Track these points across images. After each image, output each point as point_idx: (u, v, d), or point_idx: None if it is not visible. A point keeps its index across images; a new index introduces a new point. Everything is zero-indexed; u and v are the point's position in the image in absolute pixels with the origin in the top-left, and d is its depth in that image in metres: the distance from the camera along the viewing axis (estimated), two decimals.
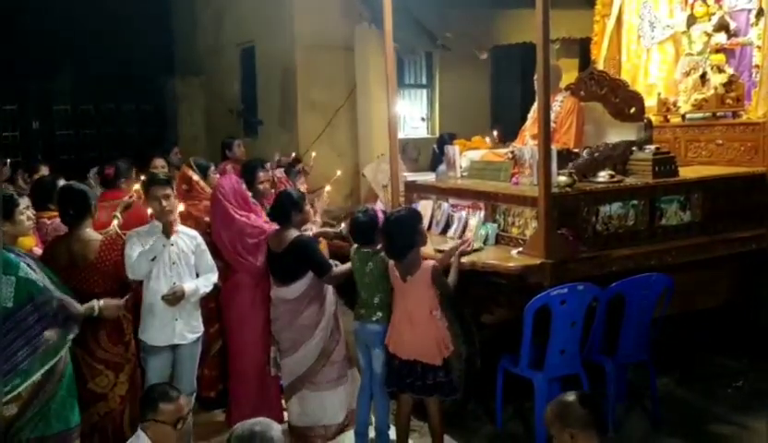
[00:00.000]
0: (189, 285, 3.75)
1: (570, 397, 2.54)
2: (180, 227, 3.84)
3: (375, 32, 7.41)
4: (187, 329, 3.82)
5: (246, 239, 4.17)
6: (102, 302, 3.40)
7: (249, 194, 4.48)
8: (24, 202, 3.33)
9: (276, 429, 2.42)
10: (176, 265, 3.73)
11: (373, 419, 4.09)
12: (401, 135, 6.24)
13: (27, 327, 3.08)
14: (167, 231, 3.66)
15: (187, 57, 9.99)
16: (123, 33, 8.70)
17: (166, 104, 9.78)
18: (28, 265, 3.13)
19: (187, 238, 3.85)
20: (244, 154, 6.62)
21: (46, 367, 3.13)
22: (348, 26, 7.90)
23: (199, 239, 3.91)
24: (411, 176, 5.68)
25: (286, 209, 4.05)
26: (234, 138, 6.90)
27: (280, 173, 5.83)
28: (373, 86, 7.59)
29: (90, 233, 3.59)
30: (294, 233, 4.01)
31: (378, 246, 3.86)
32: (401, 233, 3.67)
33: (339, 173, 5.42)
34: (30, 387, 3.11)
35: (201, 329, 3.93)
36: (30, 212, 3.40)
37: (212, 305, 4.55)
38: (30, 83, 8.58)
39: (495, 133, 6.35)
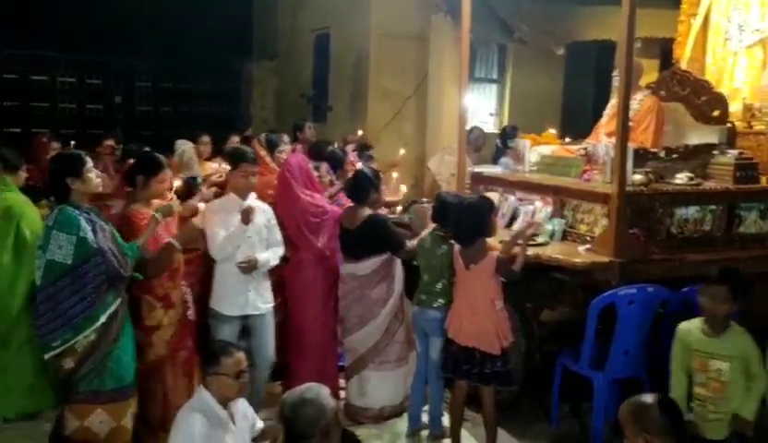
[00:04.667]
0: (262, 255, 3.91)
1: (649, 399, 2.36)
2: (255, 201, 3.97)
3: (450, 23, 7.39)
4: (260, 300, 3.96)
5: (309, 218, 4.25)
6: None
7: (316, 174, 4.58)
8: (90, 162, 3.43)
9: (326, 396, 2.42)
10: (250, 238, 3.88)
11: (427, 405, 4.11)
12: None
13: (82, 285, 3.21)
14: (246, 219, 3.76)
15: (263, 41, 10.19)
16: (203, 15, 8.93)
17: (240, 86, 10.01)
18: (89, 223, 3.24)
19: (261, 212, 3.96)
20: (314, 137, 6.71)
21: (98, 325, 3.25)
22: (423, 16, 7.88)
23: (271, 213, 4.07)
24: (477, 168, 5.65)
25: (364, 187, 4.11)
26: (306, 121, 7.02)
27: (353, 156, 5.92)
28: (444, 77, 7.57)
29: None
30: (368, 211, 4.07)
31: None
32: (472, 219, 3.67)
33: (402, 152, 5.41)
34: (86, 343, 3.25)
35: (272, 300, 4.06)
36: (97, 172, 3.51)
37: (272, 279, 4.67)
38: (115, 59, 8.93)
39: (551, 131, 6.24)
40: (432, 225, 4.02)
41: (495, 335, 3.58)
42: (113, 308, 3.31)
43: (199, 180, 4.83)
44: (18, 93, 8.26)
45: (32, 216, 4.09)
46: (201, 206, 3.96)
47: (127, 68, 9.11)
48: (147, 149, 4.90)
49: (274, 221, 4.07)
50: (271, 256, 4.00)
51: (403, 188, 4.97)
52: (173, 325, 3.67)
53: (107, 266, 3.23)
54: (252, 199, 3.98)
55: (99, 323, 3.25)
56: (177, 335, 3.70)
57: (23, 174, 4.27)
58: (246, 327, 4.00)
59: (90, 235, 3.21)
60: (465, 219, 3.69)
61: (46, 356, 3.31)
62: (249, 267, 3.85)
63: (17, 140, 6.24)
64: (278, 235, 4.09)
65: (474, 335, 3.62)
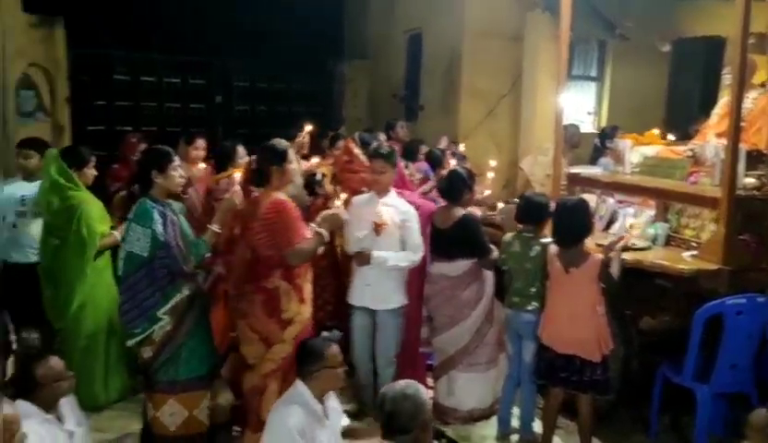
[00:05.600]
0: (379, 253, 3.86)
1: None
2: (393, 199, 3.98)
3: (548, 19, 7.23)
4: (380, 297, 3.96)
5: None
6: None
7: (407, 172, 4.60)
8: (177, 160, 3.54)
9: (424, 392, 2.49)
10: (379, 235, 3.86)
11: (517, 409, 4.04)
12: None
13: (157, 277, 3.31)
14: (378, 231, 3.83)
15: (356, 42, 10.33)
16: (299, 17, 9.16)
17: (333, 86, 10.18)
18: (161, 217, 3.33)
19: (395, 211, 3.93)
20: (406, 136, 6.76)
21: (173, 316, 3.35)
22: (519, 13, 7.75)
23: (409, 215, 3.96)
24: (574, 168, 5.50)
25: (458, 187, 4.09)
26: (398, 120, 7.07)
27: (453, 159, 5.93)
28: (540, 75, 7.41)
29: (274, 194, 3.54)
30: (461, 211, 4.04)
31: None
32: (576, 221, 3.58)
33: (493, 163, 5.34)
34: (163, 333, 3.35)
35: (398, 301, 4.01)
36: (182, 171, 3.58)
37: None
38: (216, 61, 9.29)
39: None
40: (518, 227, 3.94)
41: (596, 342, 3.47)
42: (172, 302, 3.37)
43: (319, 177, 4.94)
44: (130, 94, 8.75)
45: (94, 213, 4.17)
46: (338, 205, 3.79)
47: (227, 69, 9.44)
48: (241, 146, 5.09)
49: (411, 224, 3.95)
50: (395, 256, 3.90)
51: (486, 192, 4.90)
52: (302, 322, 3.55)
53: (170, 260, 3.32)
54: (392, 197, 3.99)
55: (159, 316, 3.34)
56: (303, 334, 3.54)
57: (91, 171, 4.35)
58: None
59: (159, 228, 3.30)
60: (569, 221, 3.60)
61: (128, 344, 3.44)
62: (360, 260, 3.88)
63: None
64: (415, 239, 3.96)
65: (574, 342, 3.52)
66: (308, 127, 5.05)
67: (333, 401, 3.13)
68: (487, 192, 4.89)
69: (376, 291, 3.95)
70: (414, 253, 3.94)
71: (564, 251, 3.59)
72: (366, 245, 3.89)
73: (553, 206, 3.90)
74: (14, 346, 4.24)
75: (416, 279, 4.29)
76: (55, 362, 2.91)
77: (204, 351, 3.53)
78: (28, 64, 7.20)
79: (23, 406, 2.66)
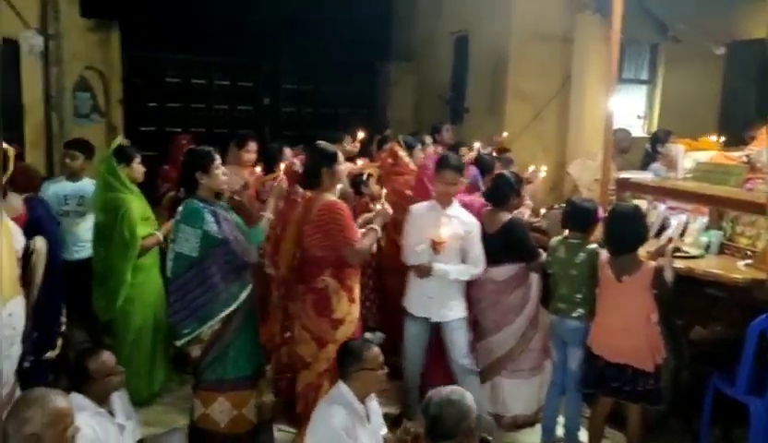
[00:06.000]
0: (440, 265, 3.78)
1: None
2: (456, 209, 3.90)
3: (598, 21, 7.11)
4: (443, 309, 3.89)
5: None
6: None
7: None
8: (219, 159, 3.57)
9: (470, 399, 2.48)
10: (441, 245, 3.74)
11: (562, 418, 3.98)
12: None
13: (206, 277, 3.33)
14: (436, 250, 3.71)
15: (403, 44, 10.33)
16: (346, 19, 9.21)
17: (379, 88, 10.22)
18: (213, 216, 3.35)
19: (458, 222, 3.85)
20: (452, 139, 6.73)
21: (222, 315, 3.37)
22: (568, 14, 7.64)
23: (472, 227, 3.89)
24: (624, 173, 5.39)
25: (504, 191, 4.07)
26: (444, 123, 7.04)
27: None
28: (590, 78, 7.29)
29: (324, 196, 3.56)
30: (507, 216, 4.01)
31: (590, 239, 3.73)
32: (630, 229, 3.51)
33: (544, 171, 5.26)
34: (210, 332, 3.39)
35: (460, 311, 3.93)
36: (224, 169, 3.60)
37: (406, 279, 4.72)
38: (264, 63, 9.42)
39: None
40: (564, 232, 3.88)
41: (648, 351, 3.40)
42: (241, 298, 3.42)
43: (365, 178, 4.97)
44: (180, 96, 8.95)
45: (137, 214, 4.23)
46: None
47: (275, 71, 9.56)
48: (288, 148, 5.15)
49: (474, 236, 3.87)
50: (456, 269, 3.84)
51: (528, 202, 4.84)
52: (353, 322, 3.58)
53: (233, 255, 3.35)
54: (455, 208, 3.91)
55: (225, 313, 3.37)
56: (355, 334, 3.57)
57: (139, 167, 4.42)
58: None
59: (213, 227, 3.32)
60: (623, 228, 3.53)
61: (177, 343, 3.49)
62: (421, 273, 3.81)
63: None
64: (477, 251, 3.88)
65: (626, 351, 3.46)
66: (360, 135, 5.09)
67: (375, 403, 3.14)
68: (528, 202, 4.83)
69: (438, 303, 3.88)
70: (476, 266, 3.87)
71: (616, 259, 3.52)
72: (425, 257, 3.79)
73: (601, 212, 3.83)
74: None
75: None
76: (108, 357, 2.99)
77: (251, 350, 3.56)
78: (84, 66, 7.46)
79: (77, 399, 2.73)
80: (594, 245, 3.72)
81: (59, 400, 2.23)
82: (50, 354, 4.01)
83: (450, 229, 3.75)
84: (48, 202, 4.32)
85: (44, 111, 6.25)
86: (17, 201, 3.56)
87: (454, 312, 3.92)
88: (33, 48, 6.15)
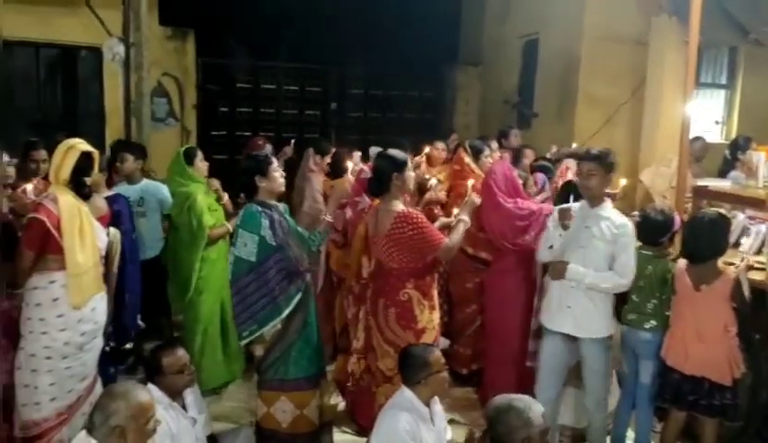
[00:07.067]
0: (576, 267, 3.43)
1: None
2: (608, 210, 3.52)
3: (674, 24, 6.88)
4: (582, 324, 3.48)
5: (514, 222, 4.18)
6: None
7: (520, 181, 4.52)
8: (276, 163, 3.65)
9: (536, 412, 2.40)
10: (584, 249, 3.46)
11: (631, 432, 3.86)
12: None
13: (264, 281, 3.39)
14: (563, 217, 3.53)
15: (470, 48, 10.29)
16: (414, 23, 9.24)
17: (446, 93, 10.20)
18: (269, 221, 3.41)
19: (609, 224, 3.46)
20: (519, 144, 6.63)
21: (282, 317, 3.43)
22: (642, 17, 7.43)
23: (624, 230, 3.44)
24: (701, 181, 5.19)
25: (571, 199, 3.98)
26: (511, 128, 6.97)
27: (570, 162, 5.78)
28: (664, 82, 7.06)
29: (394, 204, 3.50)
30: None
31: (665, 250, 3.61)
32: (712, 237, 3.40)
33: (624, 182, 5.08)
34: (273, 332, 3.46)
35: (605, 329, 3.52)
36: (282, 172, 3.67)
37: (469, 286, 4.70)
38: (332, 68, 9.56)
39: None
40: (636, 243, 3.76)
41: (727, 364, 3.28)
42: (296, 300, 3.46)
43: (434, 182, 5.00)
44: (250, 100, 9.19)
45: (203, 205, 4.37)
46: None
47: (343, 77, 9.69)
48: (357, 153, 5.21)
49: (626, 241, 3.43)
50: (594, 275, 3.41)
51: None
52: (434, 329, 3.51)
53: (286, 262, 3.41)
54: (606, 208, 3.52)
55: (283, 315, 3.43)
56: (435, 341, 3.49)
57: (203, 163, 4.56)
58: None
59: (268, 233, 3.38)
60: (704, 236, 3.42)
61: (240, 344, 3.60)
62: (555, 272, 3.50)
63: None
64: (626, 258, 3.41)
65: (703, 363, 3.34)
66: (427, 149, 5.13)
67: (438, 406, 3.13)
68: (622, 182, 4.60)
69: (577, 314, 3.48)
70: (622, 276, 3.41)
71: (694, 267, 3.40)
72: (562, 256, 3.47)
73: (677, 221, 3.70)
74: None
75: (524, 288, 4.23)
76: (182, 354, 3.10)
77: (312, 351, 3.62)
78: (161, 73, 7.77)
79: (153, 392, 2.84)
80: (666, 258, 3.59)
81: (143, 394, 2.33)
82: (128, 346, 4.22)
83: (597, 229, 3.41)
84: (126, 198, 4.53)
85: (124, 116, 6.53)
86: (101, 202, 3.75)
87: (598, 329, 3.49)
88: (116, 56, 6.44)
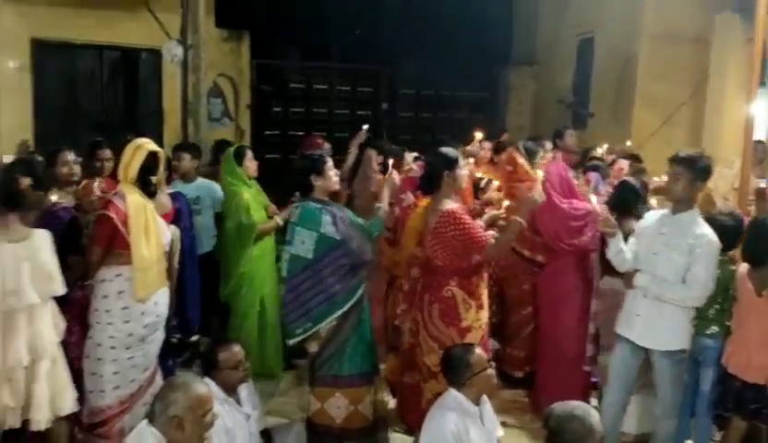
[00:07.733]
0: (643, 276, 3.34)
1: None
2: (693, 220, 3.31)
3: (738, 22, 6.66)
4: (651, 334, 3.36)
5: (569, 223, 4.13)
6: None
7: (576, 182, 4.45)
8: (330, 162, 3.67)
9: (595, 419, 2.38)
10: (657, 256, 3.33)
11: (690, 441, 3.75)
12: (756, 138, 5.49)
13: (320, 279, 3.42)
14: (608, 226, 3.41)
15: (524, 47, 10.17)
16: (466, 23, 9.19)
17: (498, 93, 10.10)
18: (330, 217, 3.44)
19: (687, 234, 3.26)
20: (575, 144, 6.50)
21: (339, 313, 3.45)
22: (703, 14, 7.22)
23: (701, 241, 3.24)
24: (765, 182, 5.01)
25: (628, 199, 3.91)
26: (567, 128, 6.84)
27: (624, 162, 5.68)
28: (728, 82, 6.85)
29: (443, 203, 3.50)
30: (633, 224, 3.84)
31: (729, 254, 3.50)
32: None
33: (663, 179, 4.95)
34: (329, 328, 3.47)
35: (676, 342, 3.36)
36: (335, 171, 3.71)
37: (525, 288, 4.65)
38: (384, 68, 9.58)
39: None
40: None
41: None
42: (359, 294, 3.49)
43: (493, 183, 4.98)
44: (303, 101, 9.29)
45: (250, 201, 4.48)
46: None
47: (395, 77, 9.70)
48: (408, 153, 5.20)
49: (702, 251, 3.22)
50: (660, 285, 3.28)
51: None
52: (481, 328, 3.49)
53: (351, 255, 3.43)
54: (692, 214, 3.33)
55: (345, 308, 3.46)
56: (483, 340, 3.48)
57: (252, 163, 4.64)
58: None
59: (330, 229, 3.40)
60: (764, 238, 3.31)
61: (290, 342, 3.61)
62: (626, 281, 3.45)
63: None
64: (698, 271, 3.21)
65: (766, 371, 3.22)
66: (479, 135, 5.03)
67: (487, 406, 3.10)
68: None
69: (647, 324, 3.36)
70: (690, 288, 3.23)
71: (756, 272, 3.29)
72: (640, 265, 3.37)
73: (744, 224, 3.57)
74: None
75: (581, 292, 4.16)
76: (238, 350, 3.16)
77: (366, 347, 3.64)
78: (217, 74, 7.94)
79: (210, 386, 2.89)
80: (733, 263, 3.48)
81: (201, 387, 2.38)
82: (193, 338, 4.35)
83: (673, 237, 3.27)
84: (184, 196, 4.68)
85: (181, 116, 6.70)
86: (165, 199, 3.86)
87: (667, 341, 3.35)
88: (174, 57, 6.62)
